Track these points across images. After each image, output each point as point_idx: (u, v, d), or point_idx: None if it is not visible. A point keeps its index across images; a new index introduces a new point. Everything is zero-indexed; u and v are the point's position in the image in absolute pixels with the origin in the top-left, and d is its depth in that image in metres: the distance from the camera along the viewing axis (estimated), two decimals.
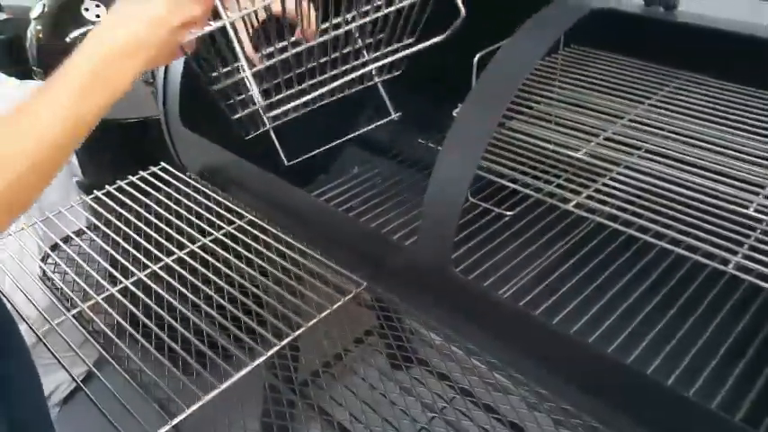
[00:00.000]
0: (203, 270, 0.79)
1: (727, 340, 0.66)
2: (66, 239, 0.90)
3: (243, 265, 0.80)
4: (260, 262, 0.80)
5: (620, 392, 0.58)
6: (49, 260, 0.86)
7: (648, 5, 0.72)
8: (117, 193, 0.94)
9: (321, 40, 0.67)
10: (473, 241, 0.81)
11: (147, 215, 0.89)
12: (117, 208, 0.91)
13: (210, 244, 0.84)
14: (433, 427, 0.68)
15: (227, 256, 0.81)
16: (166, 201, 0.92)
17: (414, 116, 0.84)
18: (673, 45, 0.78)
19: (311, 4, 0.63)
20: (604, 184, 0.71)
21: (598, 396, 0.60)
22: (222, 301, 0.75)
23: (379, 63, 0.72)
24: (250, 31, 0.63)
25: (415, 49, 0.67)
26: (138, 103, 1.28)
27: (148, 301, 0.75)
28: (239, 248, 0.82)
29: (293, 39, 0.67)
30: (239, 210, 0.89)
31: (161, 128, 1.02)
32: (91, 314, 0.74)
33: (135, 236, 0.85)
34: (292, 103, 0.70)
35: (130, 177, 0.96)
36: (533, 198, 0.77)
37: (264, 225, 0.86)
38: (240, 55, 0.60)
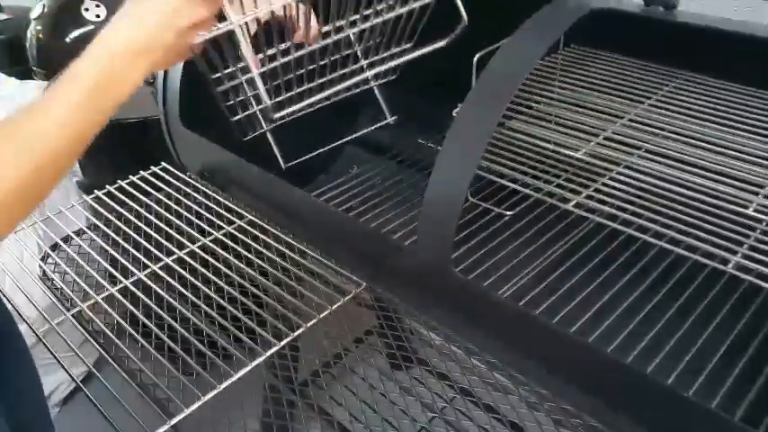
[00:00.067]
0: (203, 270, 0.79)
1: (726, 340, 0.66)
2: (67, 239, 0.90)
3: (243, 265, 0.80)
4: (260, 262, 0.80)
5: (620, 392, 0.58)
6: (49, 260, 0.86)
7: (648, 5, 0.72)
8: (117, 193, 0.94)
9: (323, 43, 0.67)
10: (473, 241, 0.81)
11: (148, 215, 0.89)
12: (117, 208, 0.91)
13: (210, 244, 0.84)
14: (432, 427, 0.68)
15: (227, 256, 0.81)
16: (166, 201, 0.92)
17: (414, 116, 0.84)
18: (673, 45, 0.78)
19: (311, 9, 0.64)
20: (604, 184, 0.71)
21: (598, 396, 0.60)
22: (222, 301, 0.75)
23: (381, 68, 0.72)
24: (251, 33, 0.63)
25: (414, 54, 0.67)
26: (138, 103, 1.28)
27: (148, 301, 0.75)
28: (239, 248, 0.82)
29: (293, 42, 0.67)
30: (239, 210, 0.90)
31: (161, 128, 1.02)
32: (91, 314, 0.74)
33: (135, 236, 0.85)
34: (294, 107, 0.70)
35: (131, 177, 0.96)
36: (533, 198, 0.77)
37: (264, 225, 0.86)
38: (248, 56, 0.61)
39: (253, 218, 0.88)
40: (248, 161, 0.88)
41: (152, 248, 0.83)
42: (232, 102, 0.75)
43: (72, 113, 0.50)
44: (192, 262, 0.80)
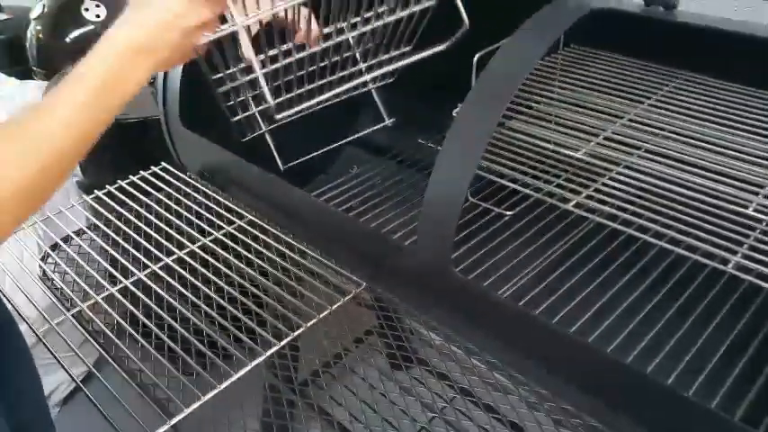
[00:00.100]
0: (203, 270, 0.79)
1: (726, 340, 0.66)
2: (67, 239, 0.90)
3: (243, 265, 0.80)
4: (260, 262, 0.80)
5: (620, 392, 0.58)
6: (50, 260, 0.86)
7: (648, 5, 0.72)
8: (117, 193, 0.94)
9: (325, 45, 0.67)
10: (473, 241, 0.81)
11: (148, 215, 0.89)
12: (117, 208, 0.91)
13: (210, 244, 0.84)
14: (432, 427, 0.68)
15: (227, 256, 0.81)
16: (166, 201, 0.92)
17: (413, 116, 0.84)
18: (672, 45, 0.78)
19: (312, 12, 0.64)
20: (604, 184, 0.71)
21: (598, 396, 0.60)
22: (222, 301, 0.75)
23: (381, 71, 0.71)
24: (251, 34, 0.63)
25: (414, 58, 0.67)
26: (138, 103, 1.28)
27: (148, 302, 0.75)
28: (239, 248, 0.82)
29: (294, 43, 0.67)
30: (239, 210, 0.90)
31: (161, 128, 1.02)
32: (91, 314, 0.74)
33: (135, 236, 0.85)
34: (295, 108, 0.70)
35: (131, 177, 0.96)
36: (533, 198, 0.77)
37: (264, 225, 0.86)
38: (252, 57, 0.61)
39: (253, 218, 0.88)
40: (248, 161, 0.88)
41: (152, 248, 0.83)
42: (232, 102, 0.75)
43: (78, 113, 0.50)
44: (191, 262, 0.80)
